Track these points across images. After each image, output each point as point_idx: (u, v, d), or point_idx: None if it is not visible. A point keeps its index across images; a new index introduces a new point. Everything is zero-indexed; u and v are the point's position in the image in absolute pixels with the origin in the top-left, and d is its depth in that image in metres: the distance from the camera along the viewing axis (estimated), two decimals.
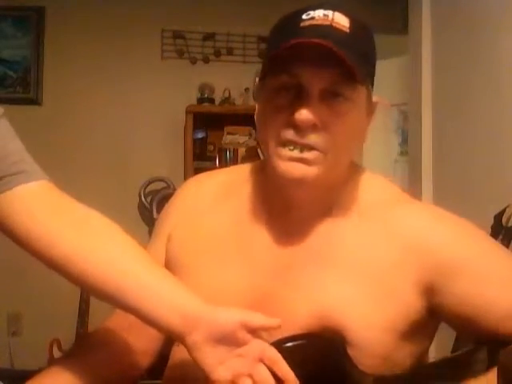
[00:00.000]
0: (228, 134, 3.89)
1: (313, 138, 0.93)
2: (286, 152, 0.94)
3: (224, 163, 3.81)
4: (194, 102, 3.84)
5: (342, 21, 0.95)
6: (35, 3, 3.68)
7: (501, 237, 2.11)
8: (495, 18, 2.33)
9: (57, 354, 3.29)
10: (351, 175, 1.04)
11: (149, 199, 3.59)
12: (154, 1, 3.89)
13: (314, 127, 0.92)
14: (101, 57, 3.80)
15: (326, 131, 0.93)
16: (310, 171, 0.94)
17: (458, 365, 0.94)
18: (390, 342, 0.94)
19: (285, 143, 0.94)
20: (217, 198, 1.11)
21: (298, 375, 0.84)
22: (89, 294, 3.16)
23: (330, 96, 0.93)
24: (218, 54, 3.99)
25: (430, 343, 1.04)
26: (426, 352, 1.03)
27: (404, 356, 0.96)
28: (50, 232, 0.98)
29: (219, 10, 3.89)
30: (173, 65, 3.96)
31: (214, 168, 3.74)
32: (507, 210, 2.10)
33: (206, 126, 3.90)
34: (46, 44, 3.76)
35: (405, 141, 3.46)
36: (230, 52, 3.99)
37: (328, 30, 0.93)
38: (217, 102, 3.89)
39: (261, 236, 1.03)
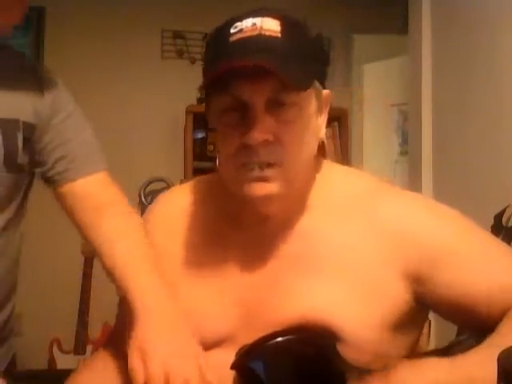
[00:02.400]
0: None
1: (268, 154, 0.92)
2: (245, 174, 0.94)
3: None
4: (194, 102, 3.84)
5: (271, 26, 0.93)
6: (35, 3, 3.68)
7: (501, 237, 2.11)
8: (495, 18, 2.33)
9: (57, 353, 3.29)
10: (320, 172, 1.04)
11: (149, 199, 3.59)
12: (154, 1, 3.89)
13: (266, 143, 0.92)
14: (101, 57, 3.80)
15: (279, 143, 0.93)
16: (272, 188, 0.94)
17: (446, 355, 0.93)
18: (381, 338, 0.94)
19: (242, 166, 0.94)
20: (187, 216, 1.11)
21: (289, 369, 0.86)
22: (89, 295, 3.17)
23: (277, 105, 0.93)
24: None
25: (420, 333, 1.04)
26: (416, 342, 1.02)
27: (395, 349, 0.96)
28: (92, 225, 1.19)
29: (219, 10, 3.89)
30: (173, 65, 3.96)
31: (214, 168, 3.74)
32: (507, 210, 2.10)
33: (205, 126, 3.90)
34: (45, 44, 3.76)
35: (405, 141, 3.47)
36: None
37: (258, 40, 0.92)
38: None
39: (237, 251, 1.02)
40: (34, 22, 3.74)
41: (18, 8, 1.15)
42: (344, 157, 3.83)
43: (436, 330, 2.03)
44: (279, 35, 0.93)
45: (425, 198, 1.06)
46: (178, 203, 1.13)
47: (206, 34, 3.95)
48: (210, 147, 3.95)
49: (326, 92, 1.03)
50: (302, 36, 0.98)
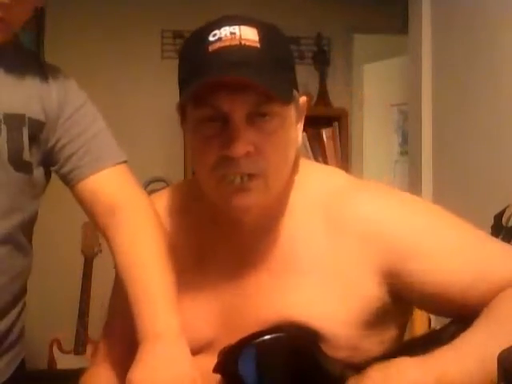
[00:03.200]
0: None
1: (249, 166, 0.92)
2: (226, 186, 0.93)
3: None
4: None
5: (250, 35, 0.92)
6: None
7: (501, 237, 2.11)
8: (495, 18, 2.33)
9: (57, 353, 3.29)
10: (298, 174, 1.04)
11: None
12: (154, 1, 3.88)
13: (247, 155, 0.91)
14: (100, 57, 3.80)
15: (260, 155, 0.92)
16: (253, 199, 0.94)
17: (427, 344, 0.93)
18: (358, 334, 0.95)
19: (223, 177, 0.93)
20: (167, 224, 1.11)
21: (276, 367, 0.87)
22: (89, 295, 3.17)
23: (257, 116, 0.92)
24: None
25: (403, 331, 1.04)
26: (397, 339, 1.02)
27: (373, 344, 0.97)
28: (107, 230, 1.16)
29: (219, 10, 3.89)
30: (173, 65, 3.89)
31: None
32: (507, 210, 2.10)
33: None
34: (45, 43, 3.76)
35: (405, 141, 3.47)
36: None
37: (238, 51, 0.91)
38: None
39: (218, 256, 1.03)
40: (34, 23, 3.73)
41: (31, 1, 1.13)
42: (344, 157, 3.83)
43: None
44: (258, 45, 0.92)
45: (399, 192, 1.05)
46: (162, 207, 1.13)
47: None
48: None
49: (303, 99, 1.03)
50: (279, 44, 0.97)
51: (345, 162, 3.83)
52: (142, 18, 3.87)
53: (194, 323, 1.00)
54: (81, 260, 3.18)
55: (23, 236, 1.25)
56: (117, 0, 3.84)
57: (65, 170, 1.22)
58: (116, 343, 1.12)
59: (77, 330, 3.17)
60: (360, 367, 0.89)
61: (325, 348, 0.92)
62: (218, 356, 0.92)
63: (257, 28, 0.94)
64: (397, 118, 3.78)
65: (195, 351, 0.98)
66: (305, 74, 3.89)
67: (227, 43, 0.91)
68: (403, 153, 3.59)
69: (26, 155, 1.18)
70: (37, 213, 1.29)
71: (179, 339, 0.97)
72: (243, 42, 0.91)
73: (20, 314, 1.31)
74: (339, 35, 3.97)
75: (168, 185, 3.63)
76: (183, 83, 0.97)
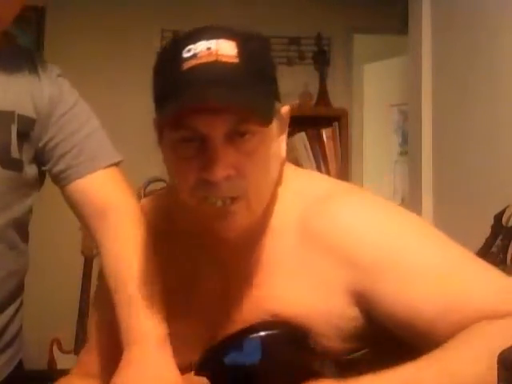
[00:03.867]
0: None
1: (231, 189, 0.88)
2: (207, 208, 0.89)
3: None
4: None
5: (227, 50, 0.86)
6: (35, 3, 3.68)
7: (501, 237, 2.11)
8: (495, 18, 2.33)
9: (57, 353, 3.29)
10: (278, 188, 0.99)
11: None
12: (154, 0, 3.89)
13: (228, 178, 0.87)
14: (100, 56, 3.80)
15: (242, 177, 0.88)
16: (236, 222, 0.91)
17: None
18: (342, 334, 0.92)
19: (204, 199, 0.89)
20: (151, 235, 1.08)
21: (269, 363, 0.87)
22: (89, 295, 3.17)
23: (237, 136, 0.87)
24: None
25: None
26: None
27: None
28: (96, 233, 1.15)
29: (218, 9, 3.89)
30: None
31: None
32: (507, 210, 2.10)
33: None
34: (45, 44, 3.76)
35: (405, 141, 3.47)
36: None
37: (215, 69, 0.85)
38: None
39: (203, 272, 1.00)
40: (34, 23, 3.73)
41: None
42: (344, 157, 3.83)
43: None
44: (236, 60, 0.86)
45: (380, 203, 0.98)
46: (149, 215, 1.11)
47: None
48: None
49: (285, 109, 0.97)
50: (259, 55, 0.91)
51: (345, 162, 3.83)
52: (141, 17, 3.87)
53: (179, 348, 0.97)
54: (81, 260, 3.18)
55: (15, 234, 1.23)
56: (117, 0, 3.84)
57: (57, 169, 1.20)
58: (96, 355, 1.11)
59: (77, 330, 3.17)
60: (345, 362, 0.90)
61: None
62: (203, 354, 0.92)
63: (235, 40, 0.88)
64: (397, 118, 3.78)
65: (185, 369, 0.96)
66: (305, 74, 3.90)
67: (203, 60, 0.85)
68: (403, 153, 3.59)
69: (15, 152, 1.16)
70: (30, 211, 1.27)
71: (163, 344, 0.95)
72: (220, 58, 0.86)
73: (16, 312, 1.29)
74: (339, 35, 3.97)
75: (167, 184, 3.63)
76: (158, 101, 0.92)
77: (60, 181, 1.20)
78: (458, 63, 2.60)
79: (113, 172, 1.20)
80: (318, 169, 3.82)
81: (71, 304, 3.17)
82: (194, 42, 0.87)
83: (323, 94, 3.88)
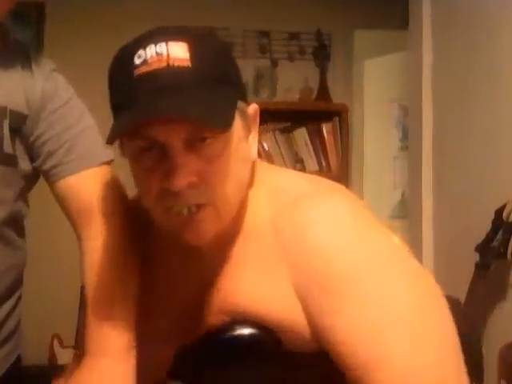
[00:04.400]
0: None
1: (195, 196, 0.84)
2: (173, 219, 0.87)
3: None
4: None
5: (179, 53, 0.83)
6: (35, 1, 3.68)
7: (501, 231, 2.12)
8: (495, 14, 2.33)
9: (57, 348, 3.30)
10: (249, 190, 0.94)
11: None
12: (155, 0, 3.88)
13: (191, 185, 0.83)
14: (101, 55, 3.76)
15: (205, 183, 0.84)
16: (205, 230, 0.87)
17: None
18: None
19: (169, 208, 0.86)
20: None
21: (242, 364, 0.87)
22: None
23: (198, 141, 0.83)
24: None
25: None
26: None
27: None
28: (80, 234, 1.13)
29: (219, 5, 3.89)
30: None
31: None
32: (507, 205, 2.11)
33: None
34: (45, 41, 3.75)
35: (405, 136, 3.46)
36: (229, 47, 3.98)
37: (166, 75, 0.82)
38: None
39: (177, 272, 0.99)
40: (34, 20, 3.73)
41: None
42: (344, 152, 3.83)
43: None
44: (189, 64, 0.83)
45: (352, 211, 0.90)
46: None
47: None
48: None
49: (253, 107, 0.93)
50: (214, 57, 0.87)
51: (345, 156, 3.83)
52: (142, 16, 3.86)
53: (160, 345, 0.95)
54: None
55: (10, 230, 1.22)
56: (117, 0, 3.84)
57: (47, 166, 1.17)
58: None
59: (77, 326, 3.18)
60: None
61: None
62: (174, 358, 0.91)
63: (187, 42, 0.84)
64: (397, 114, 3.78)
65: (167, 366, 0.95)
66: (305, 70, 3.90)
67: (154, 66, 0.82)
68: (403, 148, 3.59)
69: (8, 147, 1.14)
70: (27, 206, 1.27)
71: (124, 356, 0.93)
72: (171, 63, 0.82)
73: (15, 307, 1.29)
74: (339, 31, 3.96)
75: None
76: (113, 110, 0.90)
77: (50, 177, 1.18)
78: (459, 59, 2.60)
79: (103, 170, 1.17)
80: (319, 163, 3.82)
81: (72, 299, 3.17)
82: (144, 46, 0.84)
83: (323, 89, 3.88)
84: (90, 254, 1.06)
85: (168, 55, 0.82)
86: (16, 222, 1.24)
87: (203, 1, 3.88)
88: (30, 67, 1.19)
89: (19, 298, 1.31)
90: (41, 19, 3.75)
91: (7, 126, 1.14)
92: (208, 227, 0.87)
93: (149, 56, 0.83)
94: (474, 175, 2.44)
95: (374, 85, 3.84)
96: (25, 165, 1.20)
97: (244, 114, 0.90)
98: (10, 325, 1.28)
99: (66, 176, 1.16)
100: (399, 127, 3.77)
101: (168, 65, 0.82)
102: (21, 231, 1.27)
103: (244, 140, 0.90)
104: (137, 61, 0.84)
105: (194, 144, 0.83)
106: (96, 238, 1.06)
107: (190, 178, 0.83)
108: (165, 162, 0.83)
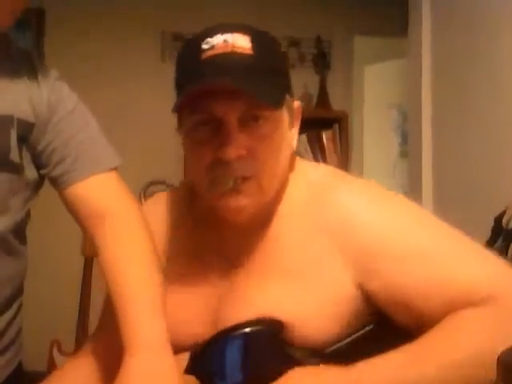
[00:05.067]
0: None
1: (242, 169, 0.94)
2: (219, 188, 0.95)
3: None
4: None
5: (242, 42, 0.94)
6: (35, 4, 3.68)
7: (501, 238, 2.11)
8: (495, 19, 2.34)
9: (57, 355, 3.29)
10: (289, 175, 1.05)
11: None
12: (154, 2, 3.89)
13: (240, 158, 0.93)
14: (100, 59, 3.80)
15: (253, 158, 0.94)
16: (246, 201, 0.95)
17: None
18: (330, 329, 0.95)
19: (216, 180, 0.95)
20: (163, 225, 1.12)
21: (259, 358, 0.91)
22: (89, 296, 3.16)
23: (250, 120, 0.94)
24: None
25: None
26: None
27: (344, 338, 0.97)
28: (94, 237, 1.15)
29: (219, 11, 3.90)
30: (173, 67, 3.94)
31: None
32: (507, 212, 2.10)
33: None
34: (45, 46, 3.76)
35: (405, 142, 3.47)
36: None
37: (231, 58, 0.93)
38: None
39: (210, 257, 1.04)
40: (34, 23, 3.74)
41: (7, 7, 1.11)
42: (344, 158, 3.83)
43: None
44: (251, 52, 0.93)
45: (381, 190, 1.03)
46: (154, 213, 1.14)
47: None
48: None
49: (296, 104, 1.04)
50: (272, 51, 0.99)
51: (345, 163, 3.83)
52: (141, 19, 3.87)
53: (185, 320, 1.01)
54: (81, 261, 3.17)
55: (14, 238, 1.22)
56: (117, 1, 3.84)
57: (55, 173, 1.19)
58: (101, 344, 1.13)
59: (77, 332, 3.17)
60: (326, 355, 0.92)
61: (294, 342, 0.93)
62: (190, 356, 0.94)
63: (250, 35, 0.95)
64: (396, 119, 3.79)
65: (184, 348, 0.98)
66: (305, 76, 3.90)
67: (220, 51, 0.93)
68: (403, 154, 3.59)
69: (14, 156, 1.15)
70: (29, 214, 1.27)
71: (164, 350, 0.96)
72: (235, 50, 0.93)
73: (15, 316, 1.29)
74: (339, 37, 3.97)
75: (168, 187, 3.63)
76: (178, 90, 0.99)
77: (58, 184, 1.19)
78: (458, 65, 2.61)
79: (111, 176, 1.19)
80: None
81: (71, 305, 3.17)
82: (212, 35, 0.94)
83: (323, 96, 3.88)
84: (110, 255, 1.09)
85: (233, 43, 0.93)
86: (20, 230, 1.25)
87: (203, 7, 3.89)
88: (36, 76, 1.19)
89: (20, 305, 1.31)
90: (41, 24, 3.76)
91: (15, 134, 1.14)
92: (249, 199, 0.95)
93: (215, 42, 0.93)
94: (474, 181, 2.44)
95: (373, 91, 3.85)
96: (30, 173, 1.20)
97: (290, 107, 1.01)
98: (11, 332, 1.28)
99: (74, 183, 1.17)
100: (399, 133, 3.78)
101: (232, 51, 0.93)
102: (23, 239, 1.28)
103: (289, 129, 1.01)
104: (204, 46, 0.94)
105: (247, 123, 0.94)
106: (115, 240, 1.10)
107: (241, 150, 0.93)
108: (219, 135, 0.93)
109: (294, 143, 1.04)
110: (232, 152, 0.92)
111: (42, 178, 1.24)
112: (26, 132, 1.17)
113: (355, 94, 3.95)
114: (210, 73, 0.92)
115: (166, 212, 1.14)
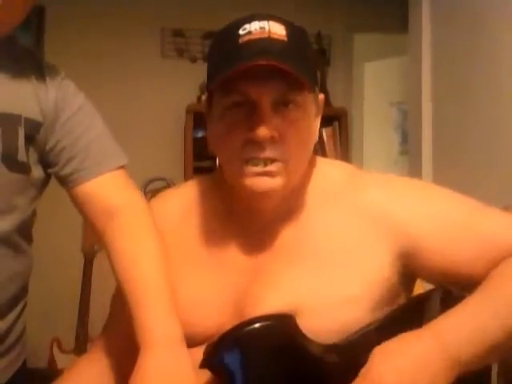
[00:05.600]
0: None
1: (273, 151, 0.97)
2: (250, 169, 0.98)
3: None
4: (194, 101, 3.84)
5: (278, 30, 0.98)
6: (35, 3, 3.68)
7: None
8: (495, 16, 2.33)
9: (57, 353, 3.29)
10: (316, 167, 1.10)
11: (149, 198, 3.59)
12: (154, 0, 3.89)
13: (272, 140, 0.97)
14: (100, 56, 3.80)
15: (283, 142, 0.98)
16: (275, 183, 0.99)
17: (407, 317, 0.98)
18: (358, 316, 0.97)
19: (248, 160, 0.98)
20: (183, 215, 1.13)
21: (260, 357, 0.91)
22: (89, 294, 3.17)
23: (282, 105, 0.98)
24: None
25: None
26: None
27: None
28: (103, 234, 1.15)
29: (219, 8, 3.89)
30: (173, 64, 3.96)
31: (213, 167, 3.75)
32: (508, 211, 2.10)
33: (206, 125, 3.90)
34: (45, 43, 3.76)
35: (405, 140, 3.47)
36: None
37: (267, 42, 0.96)
38: None
39: (233, 245, 1.06)
40: (34, 22, 3.73)
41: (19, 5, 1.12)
42: (344, 156, 3.83)
43: None
44: (285, 39, 0.97)
45: (406, 178, 1.14)
46: (177, 201, 1.17)
47: (206, 32, 3.95)
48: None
49: (321, 96, 1.09)
50: (304, 42, 1.04)
51: (344, 161, 3.82)
52: (141, 16, 3.87)
53: (205, 310, 1.02)
54: (81, 259, 3.18)
55: (20, 237, 1.22)
56: (117, 0, 3.84)
57: (64, 172, 1.19)
58: (113, 338, 1.14)
59: (77, 330, 3.17)
60: (343, 351, 0.93)
61: (315, 329, 0.94)
62: (204, 352, 0.94)
63: (285, 25, 0.99)
64: (396, 117, 3.78)
65: (203, 339, 0.99)
66: None
67: (257, 36, 0.96)
68: (403, 152, 3.59)
69: (22, 156, 1.15)
70: (35, 214, 1.27)
71: (179, 346, 0.97)
72: (271, 35, 0.97)
73: (20, 315, 1.29)
74: (339, 34, 3.97)
75: (168, 184, 3.63)
76: (212, 73, 1.02)
77: (67, 183, 1.20)
78: (458, 62, 2.60)
79: (119, 174, 1.21)
80: None
81: (71, 303, 3.17)
82: (249, 22, 0.98)
83: (323, 94, 3.87)
84: (120, 251, 1.10)
85: (269, 30, 0.97)
86: (26, 230, 1.25)
87: (200, 4, 3.89)
88: (43, 76, 1.19)
89: (25, 304, 1.31)
90: (41, 22, 3.76)
91: (22, 134, 1.14)
92: (277, 180, 0.99)
93: (253, 29, 0.97)
94: (474, 179, 2.44)
95: (373, 88, 3.84)
96: (37, 173, 1.20)
97: (316, 98, 1.05)
98: (16, 332, 1.28)
99: (83, 182, 1.18)
100: (399, 131, 3.78)
101: (269, 36, 0.97)
102: (29, 238, 1.28)
103: (313, 119, 1.05)
104: (242, 32, 0.98)
105: (278, 107, 0.97)
106: (124, 236, 1.11)
107: (273, 132, 0.96)
108: (251, 117, 0.96)
109: (317, 133, 1.08)
110: (265, 133, 0.95)
111: (47, 177, 1.24)
112: (34, 131, 1.16)
113: (355, 91, 3.95)
114: (247, 55, 0.95)
115: (186, 200, 1.15)
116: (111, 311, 1.20)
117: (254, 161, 0.97)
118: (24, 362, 1.32)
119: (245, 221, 1.07)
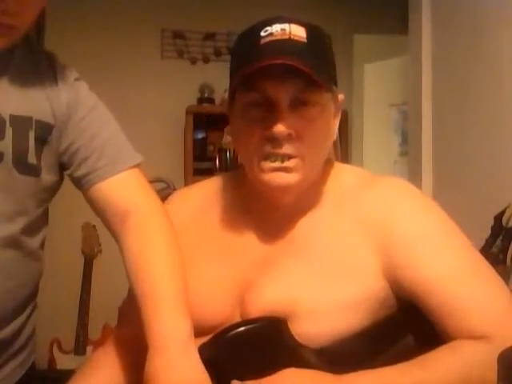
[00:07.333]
0: (228, 134, 3.89)
1: (290, 148, 1.00)
2: (268, 165, 1.01)
3: (224, 164, 3.81)
4: (194, 102, 3.84)
5: (298, 32, 1.02)
6: None
7: (501, 237, 2.11)
8: (495, 17, 2.33)
9: (57, 353, 3.29)
10: (325, 170, 1.12)
11: None
12: (154, 0, 3.89)
13: (289, 137, 1.00)
14: (100, 57, 3.80)
15: (300, 139, 1.01)
16: (291, 178, 1.02)
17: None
18: (350, 318, 0.97)
19: (266, 156, 1.01)
20: (201, 210, 1.17)
21: (251, 356, 0.94)
22: (89, 295, 3.17)
23: (300, 104, 1.01)
24: (218, 53, 3.99)
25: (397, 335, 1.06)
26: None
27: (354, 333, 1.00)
28: (118, 237, 1.15)
29: (219, 10, 3.90)
30: (173, 65, 3.96)
31: (213, 168, 3.75)
32: (507, 210, 2.10)
33: (206, 127, 3.90)
34: (45, 43, 3.76)
35: (405, 141, 3.47)
36: (230, 52, 3.98)
37: (288, 43, 1.00)
38: (217, 103, 3.89)
39: (247, 232, 1.10)
40: (34, 22, 3.73)
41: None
42: (344, 157, 3.83)
43: None
44: (306, 41, 1.01)
45: (410, 188, 1.11)
46: (201, 190, 1.22)
47: (206, 34, 3.96)
48: (210, 148, 3.96)
49: (340, 96, 1.11)
50: (324, 44, 1.06)
51: (344, 161, 3.82)
52: (141, 17, 3.87)
53: (213, 299, 1.05)
54: (81, 260, 3.18)
55: (31, 240, 1.21)
56: (117, 0, 3.84)
57: (79, 173, 1.19)
58: (124, 341, 1.15)
59: (77, 331, 3.17)
60: (332, 356, 0.94)
61: (308, 330, 0.96)
62: (198, 350, 0.96)
63: (305, 27, 1.03)
64: (397, 118, 3.78)
65: (209, 330, 1.00)
66: None
67: (278, 37, 1.00)
68: (403, 153, 3.59)
69: (32, 158, 1.14)
70: (46, 216, 1.26)
71: (187, 345, 0.97)
72: (292, 37, 1.01)
73: (29, 317, 1.29)
74: (340, 35, 3.96)
75: (168, 185, 3.64)
76: (234, 71, 1.06)
77: (82, 185, 1.19)
78: (458, 63, 2.60)
79: (134, 173, 1.20)
80: None
81: (71, 304, 3.17)
82: (271, 24, 1.02)
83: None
84: (135, 250, 1.10)
85: (290, 31, 1.01)
86: (36, 233, 1.24)
87: (201, 6, 3.89)
88: (55, 77, 1.19)
89: (34, 306, 1.32)
90: (41, 22, 3.76)
91: (33, 136, 1.14)
92: (293, 176, 1.02)
93: (274, 30, 1.01)
94: (474, 180, 2.44)
95: (373, 89, 3.84)
96: (48, 175, 1.19)
97: (335, 97, 1.08)
98: (26, 334, 1.28)
99: (98, 182, 1.17)
100: (399, 132, 3.78)
101: (290, 38, 1.01)
102: (41, 242, 1.26)
103: (331, 119, 1.07)
104: (263, 33, 1.01)
105: (296, 106, 1.00)
106: (139, 236, 1.11)
107: (290, 130, 0.99)
108: (270, 115, 1.00)
109: (335, 134, 1.10)
110: (283, 130, 0.98)
111: (59, 181, 1.23)
112: (45, 133, 1.16)
113: (355, 92, 3.95)
114: (267, 54, 0.98)
115: (202, 196, 1.19)
116: (123, 311, 1.21)
117: (272, 157, 1.01)
118: (33, 363, 1.32)
119: (262, 214, 1.10)
